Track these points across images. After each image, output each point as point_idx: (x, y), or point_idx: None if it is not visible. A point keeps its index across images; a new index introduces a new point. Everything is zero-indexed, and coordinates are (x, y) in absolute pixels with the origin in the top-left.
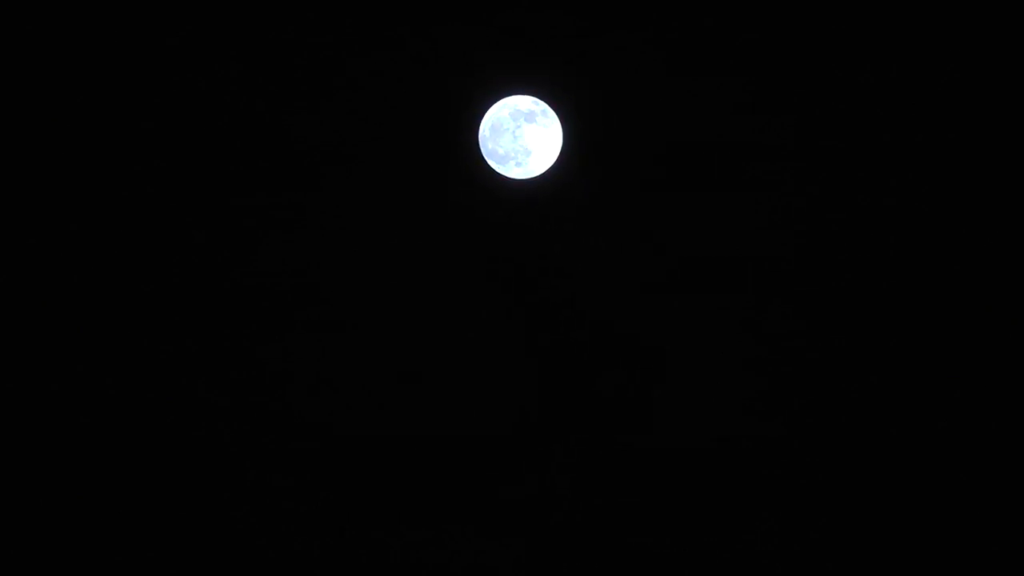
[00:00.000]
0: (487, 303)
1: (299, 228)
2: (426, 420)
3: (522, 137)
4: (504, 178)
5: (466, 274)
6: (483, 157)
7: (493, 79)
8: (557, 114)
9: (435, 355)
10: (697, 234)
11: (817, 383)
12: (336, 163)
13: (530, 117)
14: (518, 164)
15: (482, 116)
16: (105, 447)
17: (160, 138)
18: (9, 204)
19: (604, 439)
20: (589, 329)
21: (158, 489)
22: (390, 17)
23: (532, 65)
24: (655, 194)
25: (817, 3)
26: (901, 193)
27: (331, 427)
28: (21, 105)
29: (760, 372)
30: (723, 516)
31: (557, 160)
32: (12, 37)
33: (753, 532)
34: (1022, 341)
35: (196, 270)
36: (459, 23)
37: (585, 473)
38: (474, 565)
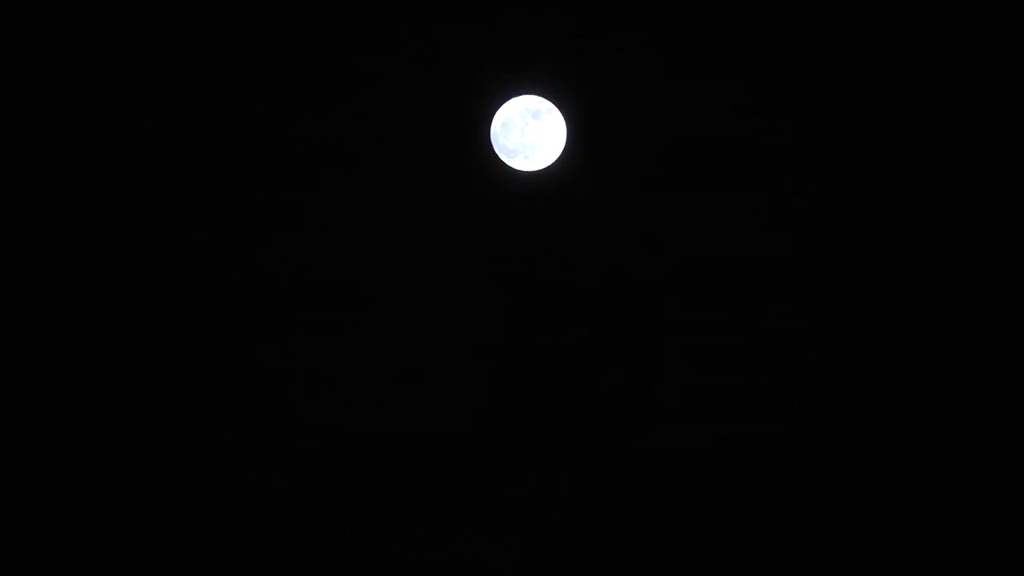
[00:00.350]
0: (488, 302)
1: (299, 228)
2: (426, 420)
3: (530, 133)
4: (513, 170)
5: (469, 269)
6: (495, 151)
7: (505, 78)
8: (561, 112)
9: (435, 355)
10: (697, 234)
11: (817, 383)
12: (343, 162)
13: (537, 115)
14: (526, 158)
15: (494, 113)
16: (105, 447)
17: (160, 138)
18: (9, 204)
19: (604, 439)
20: (589, 328)
21: (158, 489)
22: (399, 18)
23: (539, 65)
24: (655, 194)
25: (817, 3)
26: (901, 193)
27: (330, 427)
28: (21, 105)
29: (760, 372)
30: (723, 516)
31: (561, 155)
32: (12, 37)
33: (753, 532)
34: (1022, 341)
35: (196, 270)
36: (466, 24)
37: (585, 473)
38: (474, 565)
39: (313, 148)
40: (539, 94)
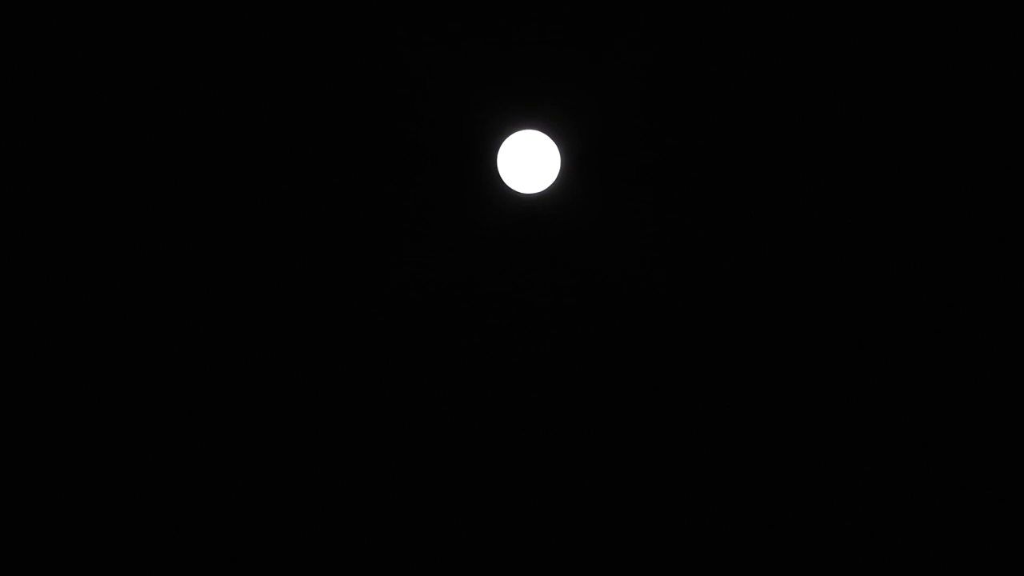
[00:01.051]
0: (489, 308)
1: (299, 229)
2: (426, 420)
3: (527, 153)
4: (513, 192)
5: (470, 275)
6: (498, 173)
7: (507, 101)
8: (558, 130)
9: (435, 356)
10: (697, 234)
11: (818, 383)
12: (343, 168)
13: (534, 136)
14: (525, 178)
15: (497, 133)
16: (105, 447)
17: (160, 138)
18: (9, 204)
19: (604, 439)
20: (590, 329)
21: (158, 489)
22: (398, 25)
23: (534, 85)
24: (653, 196)
25: (817, 3)
26: (901, 193)
27: (331, 427)
28: (21, 105)
29: (760, 372)
30: (723, 516)
31: (559, 175)
32: (12, 37)
33: (753, 532)
34: (1022, 341)
35: (197, 271)
36: (461, 42)
37: (586, 473)
38: (474, 565)
39: (315, 151)
40: (537, 114)
